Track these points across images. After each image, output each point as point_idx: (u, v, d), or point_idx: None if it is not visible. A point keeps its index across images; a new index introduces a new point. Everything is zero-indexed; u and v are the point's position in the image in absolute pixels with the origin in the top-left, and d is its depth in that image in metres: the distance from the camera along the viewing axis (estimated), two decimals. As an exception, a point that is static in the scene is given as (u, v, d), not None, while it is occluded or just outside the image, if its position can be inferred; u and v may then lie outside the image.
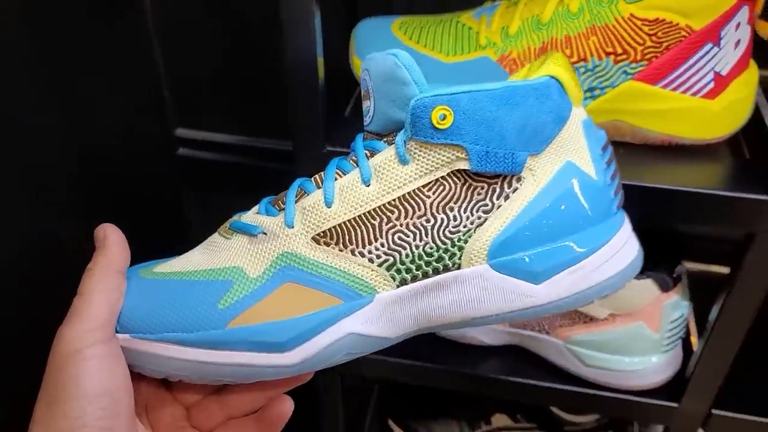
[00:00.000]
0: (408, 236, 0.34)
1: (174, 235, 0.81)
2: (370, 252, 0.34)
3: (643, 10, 0.44)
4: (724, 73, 0.47)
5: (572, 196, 0.34)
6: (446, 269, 0.34)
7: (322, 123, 0.49)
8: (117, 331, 0.33)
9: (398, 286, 0.34)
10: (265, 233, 0.35)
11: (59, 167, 0.60)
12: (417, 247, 0.34)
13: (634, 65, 0.46)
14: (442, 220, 0.34)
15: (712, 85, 0.47)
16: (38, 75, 0.56)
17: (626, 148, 0.49)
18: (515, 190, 0.34)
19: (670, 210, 0.47)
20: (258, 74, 0.74)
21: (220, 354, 0.33)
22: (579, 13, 0.45)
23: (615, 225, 0.35)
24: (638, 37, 0.45)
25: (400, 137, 0.34)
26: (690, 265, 0.72)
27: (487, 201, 0.34)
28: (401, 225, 0.34)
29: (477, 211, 0.34)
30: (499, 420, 0.78)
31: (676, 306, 0.57)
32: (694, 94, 0.47)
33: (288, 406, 0.38)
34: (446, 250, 0.34)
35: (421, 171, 0.34)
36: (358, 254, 0.34)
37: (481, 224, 0.34)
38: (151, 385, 0.37)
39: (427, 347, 0.64)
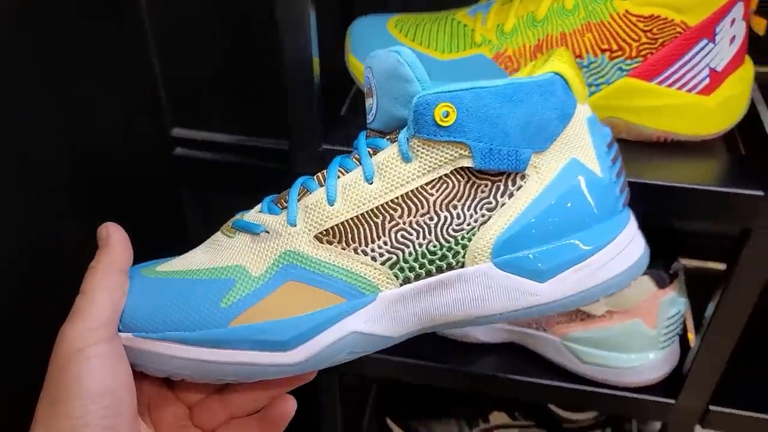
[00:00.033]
0: (411, 234, 0.33)
1: (171, 234, 0.81)
2: (372, 250, 0.33)
3: (638, 7, 0.44)
4: (719, 69, 0.46)
5: (577, 193, 0.33)
6: (450, 268, 0.34)
7: (318, 121, 0.49)
8: (119, 330, 0.33)
9: (401, 285, 0.34)
10: (268, 232, 0.35)
11: (56, 167, 0.60)
12: (420, 245, 0.33)
13: (629, 62, 0.45)
14: (446, 218, 0.33)
15: (707, 81, 0.46)
16: (35, 75, 0.56)
17: (622, 145, 0.48)
18: (519, 187, 0.33)
19: (667, 206, 0.46)
20: (254, 73, 0.74)
21: (223, 353, 0.33)
22: (574, 10, 0.45)
23: (621, 222, 0.34)
24: (633, 33, 0.44)
25: (402, 135, 0.34)
26: (687, 261, 0.72)
27: (491, 199, 0.33)
28: (404, 223, 0.33)
29: (481, 209, 0.33)
30: (498, 418, 0.77)
31: (672, 302, 0.57)
32: (689, 91, 0.46)
33: (291, 405, 0.37)
34: (450, 249, 0.33)
35: (424, 169, 0.33)
36: (360, 252, 0.34)
37: (484, 222, 0.33)
38: (153, 384, 0.37)
39: (426, 346, 0.63)
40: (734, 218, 0.46)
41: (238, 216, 0.37)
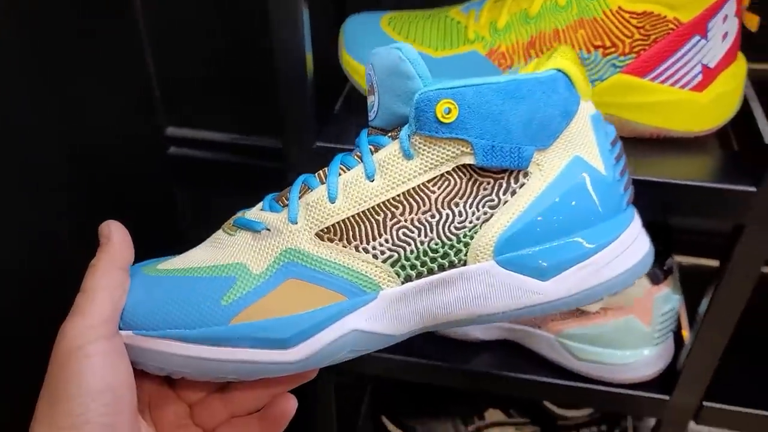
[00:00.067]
0: (413, 232, 0.33)
1: (165, 233, 0.80)
2: (374, 248, 0.33)
3: (631, 3, 0.43)
4: (712, 65, 0.45)
5: (581, 191, 0.33)
6: (452, 266, 0.33)
7: (311, 119, 0.48)
8: (120, 328, 0.32)
9: (403, 283, 0.33)
10: (269, 229, 0.34)
11: (49, 166, 0.60)
12: (422, 243, 0.33)
13: (622, 58, 0.45)
14: (448, 215, 0.33)
15: (700, 77, 0.46)
16: (29, 75, 0.56)
17: (615, 142, 0.49)
18: (522, 185, 0.33)
19: (660, 202, 0.45)
20: (248, 72, 0.74)
21: (223, 350, 0.33)
22: (567, 6, 0.44)
23: (625, 220, 0.34)
24: (626, 30, 0.44)
25: (404, 132, 0.33)
26: (681, 258, 0.72)
27: (493, 196, 0.33)
28: (406, 221, 0.33)
29: (483, 207, 0.33)
30: (493, 415, 0.76)
31: (667, 299, 0.57)
32: (682, 87, 0.46)
33: (291, 404, 0.37)
34: (452, 246, 0.33)
35: (425, 166, 0.33)
36: (362, 250, 0.33)
37: (487, 220, 0.33)
38: (154, 382, 0.36)
39: (421, 343, 0.63)
40: (727, 214, 0.46)
41: (239, 214, 0.36)
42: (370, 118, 0.36)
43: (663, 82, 0.46)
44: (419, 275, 0.33)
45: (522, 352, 0.62)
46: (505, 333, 0.62)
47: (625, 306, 0.56)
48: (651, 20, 0.44)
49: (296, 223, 0.34)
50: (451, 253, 0.33)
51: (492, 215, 0.33)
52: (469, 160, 0.32)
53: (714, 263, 0.51)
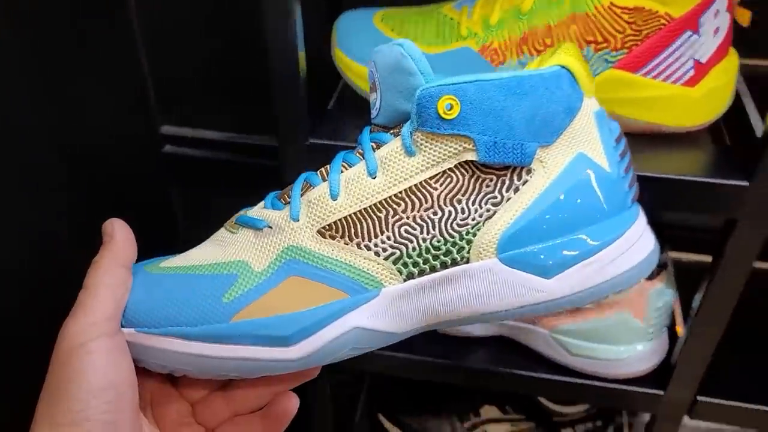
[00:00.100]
0: (415, 229, 0.32)
1: (161, 231, 0.80)
2: (376, 245, 0.32)
3: (623, -1, 0.43)
4: (703, 60, 0.45)
5: (584, 188, 0.32)
6: (454, 263, 0.32)
7: (304, 115, 0.47)
8: (122, 326, 0.32)
9: (405, 280, 0.33)
10: (271, 227, 0.34)
11: (44, 166, 0.59)
12: (424, 240, 0.32)
13: (614, 53, 0.44)
14: (450, 212, 0.32)
15: (692, 72, 0.45)
16: (22, 74, 0.55)
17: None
18: (525, 182, 0.32)
19: (653, 197, 0.45)
20: (243, 69, 0.73)
21: (225, 348, 0.32)
22: (559, 2, 0.44)
23: (630, 218, 0.33)
24: (618, 25, 0.43)
25: (406, 128, 0.32)
26: (675, 254, 0.72)
27: (496, 193, 0.32)
28: (408, 218, 0.32)
29: (486, 204, 0.32)
30: (488, 411, 0.75)
31: (660, 294, 0.57)
32: (674, 82, 0.45)
33: (293, 403, 0.36)
34: (454, 244, 0.32)
35: (427, 163, 0.32)
36: (363, 247, 0.33)
37: (489, 217, 0.32)
38: (156, 380, 0.36)
39: (416, 340, 0.63)
40: (719, 208, 0.45)
41: (241, 212, 0.36)
42: (372, 116, 0.35)
43: (655, 77, 0.45)
44: (421, 273, 0.33)
45: (517, 348, 0.62)
46: (500, 329, 0.62)
47: (619, 301, 0.56)
48: (642, 15, 0.43)
49: (298, 221, 0.33)
50: (454, 250, 0.32)
51: (495, 212, 0.32)
52: (471, 156, 0.32)
53: (707, 258, 0.51)
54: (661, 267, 0.55)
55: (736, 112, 0.49)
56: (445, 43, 0.48)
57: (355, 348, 0.34)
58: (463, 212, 0.32)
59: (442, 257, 0.33)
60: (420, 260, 0.33)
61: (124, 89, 0.71)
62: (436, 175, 0.32)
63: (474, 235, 0.32)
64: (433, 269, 0.33)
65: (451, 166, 0.32)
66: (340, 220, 0.33)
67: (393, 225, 0.33)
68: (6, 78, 0.52)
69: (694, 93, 0.46)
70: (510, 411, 0.75)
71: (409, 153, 0.32)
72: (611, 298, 0.55)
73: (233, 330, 0.32)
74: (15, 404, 0.40)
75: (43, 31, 0.55)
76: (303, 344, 0.32)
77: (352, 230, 0.33)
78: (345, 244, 0.33)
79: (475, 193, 0.32)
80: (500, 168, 0.32)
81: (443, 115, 0.31)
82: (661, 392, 0.57)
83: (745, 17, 0.46)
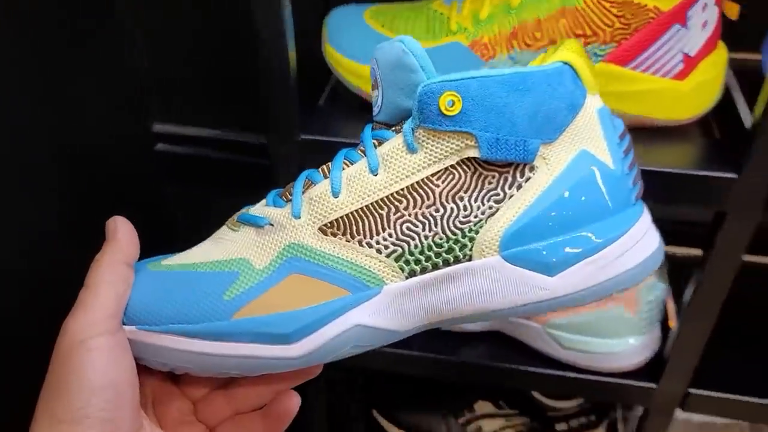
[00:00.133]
0: (417, 226, 0.32)
1: (154, 230, 0.80)
2: (377, 242, 0.32)
3: (612, -8, 0.42)
4: (692, 53, 0.44)
5: (588, 185, 0.31)
6: (457, 261, 0.32)
7: (294, 111, 0.47)
8: (123, 323, 0.31)
9: (407, 278, 0.32)
10: (272, 224, 0.33)
11: (36, 166, 0.59)
12: (426, 237, 0.32)
13: (603, 47, 0.44)
14: (452, 209, 0.31)
15: (681, 66, 0.45)
16: (13, 73, 0.55)
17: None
18: (528, 179, 0.31)
19: (643, 190, 0.47)
20: (236, 67, 0.73)
21: (226, 345, 0.32)
22: None
23: (634, 215, 0.32)
24: (607, 18, 0.43)
25: (407, 125, 0.32)
26: (668, 248, 0.72)
27: (499, 190, 0.31)
28: (410, 215, 0.32)
29: (488, 201, 0.31)
30: (483, 407, 0.74)
31: (653, 287, 0.56)
32: (663, 75, 0.45)
33: (295, 401, 0.35)
34: (456, 241, 0.32)
35: (429, 159, 0.31)
36: (365, 245, 0.32)
37: (492, 214, 0.31)
38: (157, 378, 0.35)
39: (410, 335, 0.64)
40: (710, 201, 0.45)
41: (243, 210, 0.35)
42: (374, 113, 0.34)
43: (644, 70, 0.45)
44: (423, 270, 0.32)
45: (510, 342, 0.61)
46: (494, 324, 0.61)
47: (611, 295, 0.56)
48: (631, 9, 0.43)
49: (299, 218, 0.33)
50: (456, 247, 0.32)
51: (497, 209, 0.31)
52: (473, 153, 0.31)
53: (698, 252, 0.51)
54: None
55: (725, 105, 0.49)
56: (435, 38, 0.47)
57: (356, 346, 0.33)
58: (465, 209, 0.32)
59: (444, 255, 0.32)
60: (422, 258, 0.32)
61: (116, 88, 0.70)
62: (438, 172, 0.32)
63: (476, 232, 0.32)
64: (435, 267, 0.32)
65: (453, 162, 0.31)
66: (341, 217, 0.32)
67: (395, 222, 0.32)
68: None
69: (683, 86, 0.46)
70: (504, 406, 0.75)
71: (411, 150, 0.32)
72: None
73: (234, 328, 0.32)
74: (14, 404, 0.40)
75: (35, 29, 0.55)
76: (304, 342, 0.32)
77: (354, 227, 0.32)
78: (347, 241, 0.32)
79: (477, 190, 0.32)
80: (503, 165, 0.31)
81: (445, 112, 0.31)
82: (654, 385, 0.57)
83: (733, 11, 0.46)
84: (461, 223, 0.32)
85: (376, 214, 0.32)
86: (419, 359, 0.61)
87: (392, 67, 0.32)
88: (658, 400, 0.58)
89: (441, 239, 0.32)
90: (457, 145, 0.31)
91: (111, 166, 0.70)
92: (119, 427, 0.29)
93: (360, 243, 0.32)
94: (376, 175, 0.32)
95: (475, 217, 0.32)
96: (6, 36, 0.52)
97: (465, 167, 0.32)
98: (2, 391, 0.54)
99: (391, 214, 0.32)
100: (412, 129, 0.32)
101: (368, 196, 0.32)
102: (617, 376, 0.58)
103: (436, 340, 0.61)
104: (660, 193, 0.45)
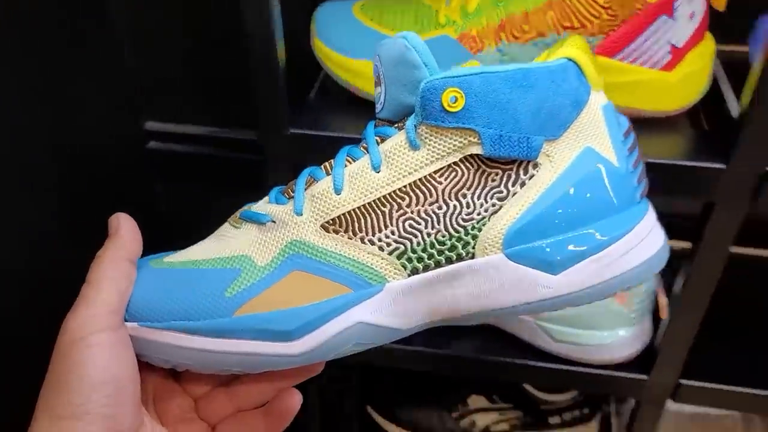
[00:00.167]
0: (419, 224, 0.31)
1: (148, 229, 0.80)
2: (380, 240, 0.31)
3: (598, -17, 0.41)
4: (679, 45, 0.44)
5: (592, 183, 0.31)
6: (459, 258, 0.31)
7: (284, 106, 0.46)
8: (125, 320, 0.31)
9: (409, 276, 0.32)
10: (274, 221, 0.32)
11: (28, 165, 0.59)
12: (429, 234, 0.31)
13: (591, 39, 0.43)
14: (455, 207, 0.31)
15: (668, 57, 0.44)
16: (5, 73, 0.55)
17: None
18: (531, 176, 0.31)
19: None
20: (227, 63, 0.73)
21: (227, 342, 0.31)
22: None
23: (639, 213, 0.32)
24: (594, 10, 0.42)
25: (410, 122, 0.31)
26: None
27: (502, 188, 0.31)
28: (412, 212, 0.31)
29: (491, 198, 0.31)
30: (476, 401, 0.74)
31: (643, 280, 0.57)
32: (651, 67, 0.44)
33: (296, 399, 0.35)
34: (459, 239, 0.31)
35: (432, 156, 0.31)
36: (367, 242, 0.31)
37: (495, 212, 0.31)
38: (159, 375, 0.34)
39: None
40: (698, 191, 0.45)
41: (245, 207, 0.35)
42: (377, 110, 0.34)
43: (632, 62, 0.45)
44: (426, 268, 0.31)
45: (502, 336, 0.61)
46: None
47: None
48: (618, 0, 0.43)
49: (302, 215, 0.32)
50: (459, 245, 0.31)
51: (501, 207, 0.31)
52: (476, 150, 0.30)
53: (687, 245, 0.52)
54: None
55: (714, 96, 0.49)
56: (423, 31, 0.47)
57: (358, 343, 0.32)
58: (468, 207, 0.31)
59: (446, 252, 0.31)
60: (424, 255, 0.31)
61: (107, 86, 0.70)
62: (441, 169, 0.31)
63: (479, 230, 0.31)
64: (437, 264, 0.31)
65: (456, 159, 0.31)
66: (343, 214, 0.32)
67: (397, 219, 0.31)
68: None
69: (671, 77, 0.45)
70: (497, 400, 0.75)
71: (414, 147, 0.31)
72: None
73: (236, 324, 0.31)
74: (12, 405, 0.40)
75: (27, 29, 0.55)
76: (306, 339, 0.32)
77: (356, 225, 0.32)
78: (349, 238, 0.32)
79: (480, 187, 0.31)
80: (506, 162, 0.31)
81: (448, 108, 0.30)
82: (645, 377, 0.57)
83: (720, 2, 0.45)
84: (464, 220, 0.31)
85: (379, 212, 0.32)
86: (412, 353, 0.60)
87: (395, 64, 0.31)
88: (650, 392, 0.58)
89: (444, 237, 0.31)
90: (460, 142, 0.31)
91: (104, 164, 0.70)
92: (120, 424, 0.29)
93: (362, 240, 0.32)
94: (378, 172, 0.32)
95: (478, 214, 0.31)
96: (-1, 36, 0.51)
97: (468, 164, 0.31)
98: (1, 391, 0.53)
99: (394, 212, 0.31)
100: (414, 126, 0.31)
101: (371, 193, 0.32)
102: (609, 368, 0.58)
103: (428, 335, 0.60)
104: (650, 184, 0.45)
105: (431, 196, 0.31)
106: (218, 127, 0.77)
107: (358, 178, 0.32)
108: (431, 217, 0.31)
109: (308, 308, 0.31)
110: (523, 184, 0.31)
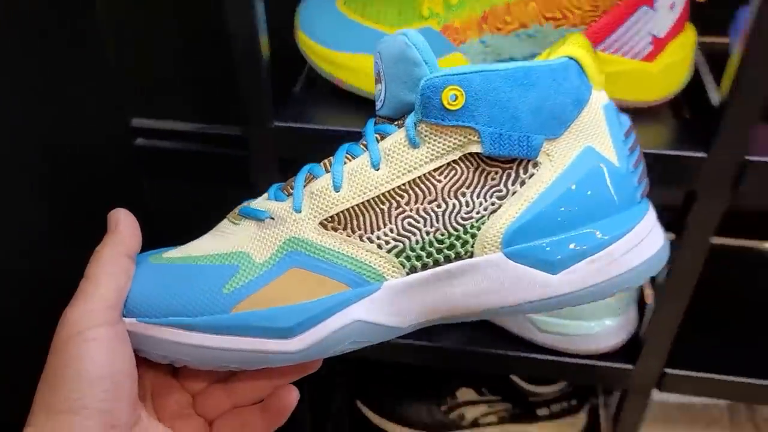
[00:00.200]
0: (418, 222, 0.31)
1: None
2: (378, 238, 0.31)
3: (580, -26, 0.40)
4: (660, 35, 0.43)
5: (592, 182, 0.30)
6: (458, 257, 0.31)
7: (268, 98, 0.45)
8: (124, 315, 0.30)
9: (408, 274, 0.31)
10: (273, 218, 0.32)
11: (14, 165, 0.58)
12: (427, 233, 0.31)
13: (573, 29, 0.42)
14: (454, 205, 0.30)
15: (650, 47, 0.43)
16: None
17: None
18: (531, 175, 0.30)
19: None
20: (213, 58, 0.73)
21: (225, 339, 0.31)
22: None
23: (639, 213, 0.31)
24: (576, 1, 0.42)
25: (410, 119, 0.31)
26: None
27: (502, 186, 0.30)
28: (411, 210, 0.31)
29: (491, 197, 0.30)
30: (465, 394, 0.73)
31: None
32: (632, 57, 0.44)
33: (293, 396, 0.34)
34: (458, 237, 0.30)
35: (432, 154, 0.30)
36: (366, 240, 0.31)
37: (495, 211, 0.30)
38: (157, 371, 0.34)
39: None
40: (681, 180, 0.44)
41: (244, 203, 0.34)
42: (377, 107, 0.33)
43: (614, 52, 0.44)
44: (424, 266, 0.31)
45: (490, 328, 0.60)
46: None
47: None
48: (600, -9, 0.43)
49: (300, 212, 0.32)
50: (458, 244, 0.31)
51: (500, 206, 0.30)
52: (476, 148, 0.30)
53: (671, 237, 0.52)
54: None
55: (696, 87, 0.49)
56: (407, 23, 0.47)
57: (355, 341, 0.32)
58: (467, 205, 0.30)
59: (445, 251, 0.31)
60: (423, 254, 0.31)
61: (93, 84, 0.69)
62: (441, 167, 0.30)
63: (478, 228, 0.30)
64: (436, 263, 0.31)
65: (456, 158, 0.30)
66: (342, 211, 0.31)
67: (396, 217, 0.31)
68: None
69: (652, 68, 0.45)
70: (486, 393, 0.74)
71: (413, 145, 0.31)
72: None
73: (233, 321, 0.31)
74: (12, 405, 0.39)
75: (12, 28, 0.54)
76: (303, 336, 0.31)
77: (355, 222, 0.31)
78: (347, 236, 0.31)
79: (479, 186, 0.30)
80: (506, 161, 0.30)
81: (447, 106, 0.29)
82: (631, 366, 0.57)
83: (701, -7, 0.46)
84: (463, 219, 0.30)
85: (378, 209, 0.31)
86: (400, 346, 0.60)
87: (395, 61, 0.31)
88: (636, 381, 0.58)
89: (442, 235, 0.31)
90: (460, 140, 0.30)
91: (91, 162, 0.69)
92: (116, 419, 0.28)
93: (361, 238, 0.31)
94: (377, 170, 0.31)
95: (477, 213, 0.30)
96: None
97: (468, 163, 0.30)
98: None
99: (393, 209, 0.31)
100: (414, 123, 0.30)
101: (370, 190, 0.31)
102: (595, 358, 0.58)
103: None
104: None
105: (430, 194, 0.31)
106: (205, 123, 0.77)
107: (357, 175, 0.31)
108: (430, 216, 0.31)
109: (306, 306, 0.31)
110: (522, 183, 0.30)
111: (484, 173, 0.30)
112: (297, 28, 0.49)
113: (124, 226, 0.32)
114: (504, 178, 0.30)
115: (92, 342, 0.28)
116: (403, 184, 0.31)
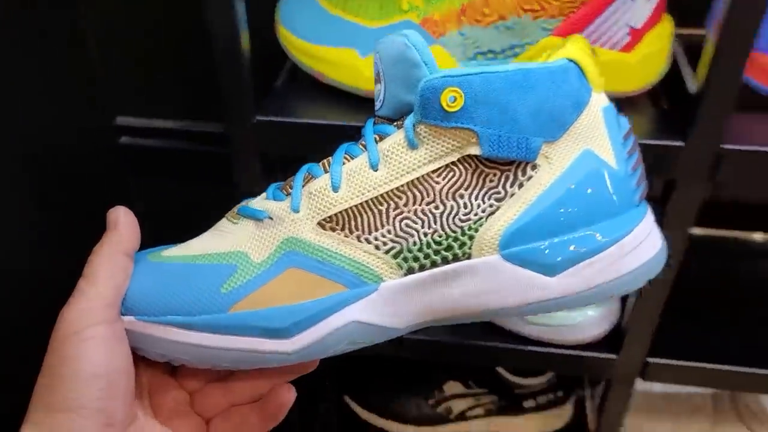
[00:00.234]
0: (416, 223, 0.30)
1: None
2: (376, 239, 0.30)
3: (558, -34, 0.40)
4: (638, 26, 0.43)
5: (591, 185, 0.30)
6: (456, 259, 0.30)
7: (249, 93, 0.45)
8: (122, 314, 0.30)
9: (405, 275, 0.31)
10: (271, 218, 0.31)
11: (1, 168, 0.58)
12: (425, 234, 0.30)
13: (552, 21, 0.42)
14: (452, 207, 0.30)
15: (627, 38, 0.43)
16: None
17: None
18: (530, 177, 0.30)
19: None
20: (196, 55, 0.72)
21: (222, 338, 0.31)
22: None
23: (637, 216, 0.31)
24: None
25: (409, 120, 0.30)
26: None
27: (500, 188, 0.30)
28: (409, 211, 0.30)
29: (489, 199, 0.30)
30: (452, 387, 0.73)
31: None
32: (610, 48, 0.43)
33: (290, 395, 0.34)
34: (456, 239, 0.30)
35: (430, 156, 0.30)
36: (363, 240, 0.30)
37: (493, 212, 0.30)
38: (154, 369, 0.34)
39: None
40: (660, 170, 0.44)
41: (243, 203, 0.34)
42: (376, 108, 0.32)
43: (592, 43, 0.45)
44: (422, 268, 0.30)
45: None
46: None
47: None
48: (577, -18, 0.43)
49: (298, 212, 0.31)
50: (455, 245, 0.30)
51: (498, 208, 0.30)
52: (474, 150, 0.29)
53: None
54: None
55: (673, 78, 0.49)
56: (386, 16, 0.46)
57: (352, 342, 0.31)
58: (465, 207, 0.30)
59: (443, 252, 0.30)
60: (420, 255, 0.30)
61: (75, 84, 0.69)
62: (439, 168, 0.30)
63: (476, 230, 0.30)
64: (433, 264, 0.30)
65: (454, 159, 0.30)
66: (340, 212, 0.31)
67: (394, 218, 0.30)
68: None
69: (630, 58, 0.45)
70: (473, 385, 0.74)
71: (412, 146, 0.30)
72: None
73: (231, 320, 0.30)
74: (12, 403, 0.39)
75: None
76: (300, 337, 0.31)
77: (353, 223, 0.31)
78: (345, 236, 0.31)
79: (478, 187, 0.30)
80: (504, 163, 0.29)
81: (446, 108, 0.29)
82: (614, 356, 0.57)
83: (679, -16, 0.46)
84: (461, 221, 0.30)
85: (376, 210, 0.30)
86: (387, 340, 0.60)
87: (394, 62, 0.30)
88: (619, 371, 0.58)
89: (440, 237, 0.30)
90: (459, 142, 0.29)
91: (76, 161, 0.69)
92: (113, 417, 0.28)
93: (358, 238, 0.31)
94: (376, 171, 0.31)
95: (475, 215, 0.30)
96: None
97: (466, 164, 0.30)
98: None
99: (391, 210, 0.30)
100: (413, 125, 0.30)
101: (368, 191, 0.31)
102: (580, 348, 0.58)
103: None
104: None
105: (428, 195, 0.30)
106: (190, 120, 0.77)
107: (355, 176, 0.31)
108: (428, 217, 0.30)
109: (303, 306, 0.30)
110: (521, 185, 0.30)
111: (483, 175, 0.30)
112: (278, 22, 0.48)
113: (123, 225, 0.31)
114: (502, 180, 0.30)
115: (89, 341, 0.28)
116: (402, 186, 0.30)
